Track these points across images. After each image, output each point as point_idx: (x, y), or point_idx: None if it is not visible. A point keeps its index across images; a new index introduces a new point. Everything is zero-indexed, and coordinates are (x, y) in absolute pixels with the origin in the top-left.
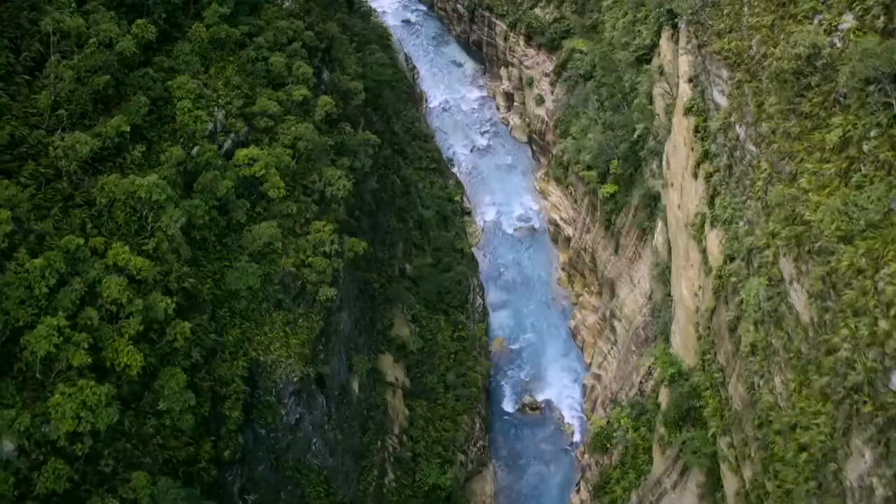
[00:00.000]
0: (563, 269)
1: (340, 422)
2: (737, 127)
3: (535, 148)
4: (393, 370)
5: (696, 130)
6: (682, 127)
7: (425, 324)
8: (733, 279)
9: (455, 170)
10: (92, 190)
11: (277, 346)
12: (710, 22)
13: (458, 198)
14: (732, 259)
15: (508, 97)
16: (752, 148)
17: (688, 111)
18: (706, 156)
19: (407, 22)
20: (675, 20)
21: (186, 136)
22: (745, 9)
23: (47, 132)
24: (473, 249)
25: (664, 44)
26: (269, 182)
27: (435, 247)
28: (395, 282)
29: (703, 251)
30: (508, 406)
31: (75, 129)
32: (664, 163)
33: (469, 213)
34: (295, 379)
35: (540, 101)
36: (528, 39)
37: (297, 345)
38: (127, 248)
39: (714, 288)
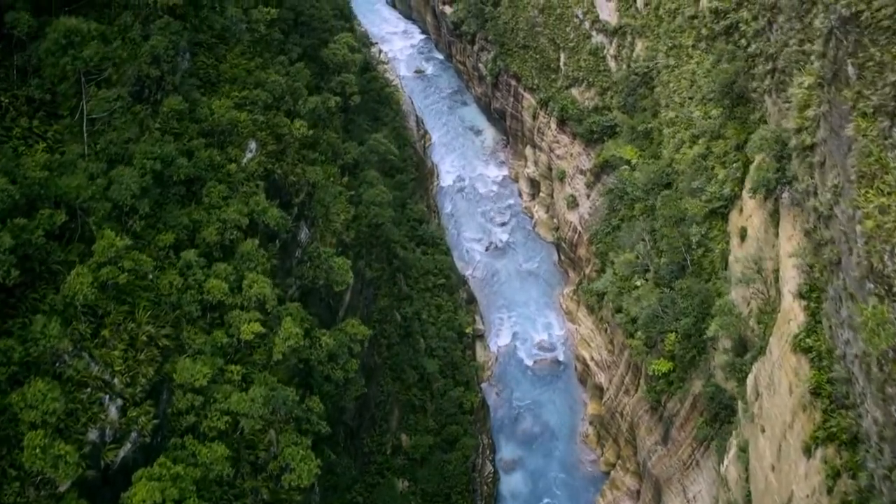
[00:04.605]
0: (591, 423)
1: None
2: None
3: (562, 257)
4: None
5: (818, 392)
6: (788, 366)
7: None
8: None
9: (468, 271)
10: None
11: None
12: None
13: (469, 330)
14: None
15: (534, 184)
16: None
17: (801, 350)
18: (831, 439)
19: (420, 73)
20: (778, 191)
21: (42, 477)
22: None
23: None
24: (484, 385)
25: (751, 205)
26: None
27: (438, 407)
28: (386, 472)
29: None
30: None
31: None
32: (750, 387)
33: (481, 336)
34: None
35: (572, 203)
36: (562, 124)
37: None
38: None
39: None
